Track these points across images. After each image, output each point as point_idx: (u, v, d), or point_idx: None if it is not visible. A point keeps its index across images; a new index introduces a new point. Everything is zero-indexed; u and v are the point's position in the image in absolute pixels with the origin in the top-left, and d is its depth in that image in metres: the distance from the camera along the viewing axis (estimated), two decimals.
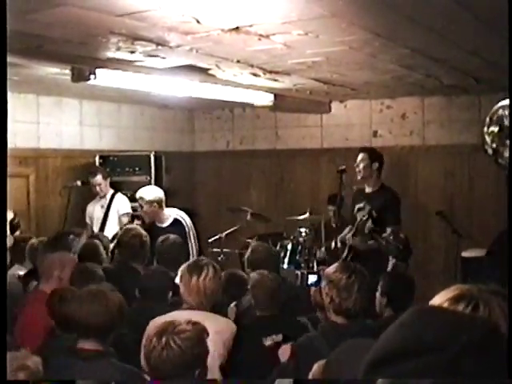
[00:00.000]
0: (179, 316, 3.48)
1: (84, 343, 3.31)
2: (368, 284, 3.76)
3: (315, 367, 2.64)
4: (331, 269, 3.71)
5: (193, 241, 6.54)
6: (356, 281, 3.57)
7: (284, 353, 3.84)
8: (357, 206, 6.57)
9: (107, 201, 7.74)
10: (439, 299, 1.37)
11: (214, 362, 3.73)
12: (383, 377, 1.00)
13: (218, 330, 3.81)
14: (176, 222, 6.55)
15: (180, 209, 6.76)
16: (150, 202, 6.48)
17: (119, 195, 7.83)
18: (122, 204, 7.76)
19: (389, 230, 6.05)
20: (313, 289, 4.50)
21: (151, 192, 6.59)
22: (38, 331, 3.89)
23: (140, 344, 3.52)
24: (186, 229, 6.53)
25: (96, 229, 7.61)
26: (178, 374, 2.86)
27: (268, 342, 4.02)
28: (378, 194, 6.49)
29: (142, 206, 6.51)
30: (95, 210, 7.80)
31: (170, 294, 4.60)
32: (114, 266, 5.52)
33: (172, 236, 5.65)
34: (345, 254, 6.34)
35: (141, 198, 6.52)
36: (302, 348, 3.61)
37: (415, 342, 1.01)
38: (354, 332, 3.43)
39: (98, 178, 7.67)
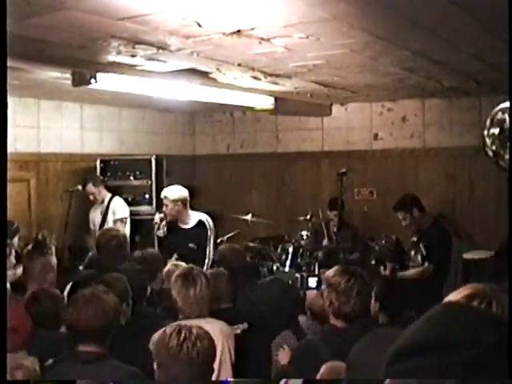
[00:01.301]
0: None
1: (85, 347, 3.32)
2: (368, 288, 3.75)
3: (323, 368, 2.64)
4: (331, 272, 3.70)
5: (211, 246, 6.52)
6: (355, 285, 3.56)
7: (283, 357, 3.86)
8: (412, 239, 6.68)
9: (105, 206, 7.76)
10: (453, 297, 1.37)
11: (223, 362, 3.80)
12: (408, 368, 1.00)
13: (222, 331, 3.89)
14: (200, 223, 6.58)
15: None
16: (175, 201, 6.50)
17: (116, 199, 7.83)
18: (117, 208, 7.75)
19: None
20: (310, 293, 4.49)
21: (176, 191, 6.61)
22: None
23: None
24: (209, 232, 6.54)
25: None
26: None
27: (237, 330, 4.14)
28: (430, 231, 6.57)
29: (166, 205, 6.53)
30: (96, 216, 7.82)
31: (149, 289, 4.62)
32: (93, 270, 5.37)
33: (150, 250, 5.58)
34: None
35: (165, 196, 6.56)
36: (302, 351, 3.62)
37: (441, 336, 1.01)
38: (354, 335, 3.43)
39: (89, 186, 7.69)
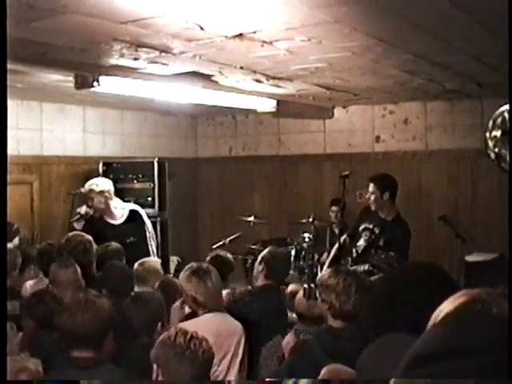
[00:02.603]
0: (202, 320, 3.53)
1: (80, 353, 3.31)
2: (365, 285, 3.77)
3: (324, 370, 2.65)
4: (325, 275, 3.72)
5: (153, 238, 6.42)
6: (353, 283, 3.59)
7: (287, 345, 3.89)
8: (364, 225, 6.28)
9: None
10: (449, 305, 1.37)
11: (234, 357, 3.87)
12: (426, 375, 1.00)
13: (232, 331, 3.93)
14: (133, 214, 6.37)
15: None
16: (101, 192, 6.28)
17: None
18: None
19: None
20: (298, 297, 4.50)
21: (101, 182, 6.42)
22: None
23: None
24: (147, 223, 6.37)
25: None
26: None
27: None
28: (391, 224, 6.15)
29: (92, 199, 6.27)
30: None
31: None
32: None
33: (117, 263, 5.36)
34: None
35: (90, 190, 6.30)
36: (296, 351, 3.66)
37: (459, 342, 1.01)
38: (350, 335, 3.47)
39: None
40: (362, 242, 6.23)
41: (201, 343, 2.91)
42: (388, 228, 6.15)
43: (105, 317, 3.37)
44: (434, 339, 1.06)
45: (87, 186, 6.37)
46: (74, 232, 5.85)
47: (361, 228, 6.31)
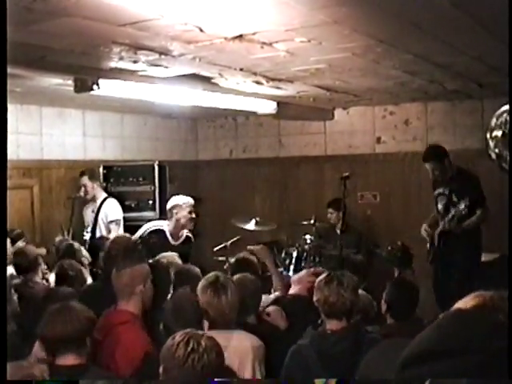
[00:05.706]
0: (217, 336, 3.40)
1: (63, 359, 3.31)
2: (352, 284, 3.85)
3: None
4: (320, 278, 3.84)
5: None
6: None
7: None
8: (437, 191, 6.79)
9: (97, 205, 7.72)
10: (461, 305, 1.37)
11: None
12: (417, 374, 1.01)
13: (253, 347, 3.77)
14: (188, 239, 6.54)
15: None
16: (192, 206, 6.47)
17: (110, 200, 7.79)
18: (109, 210, 7.70)
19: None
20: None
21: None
22: (137, 355, 3.74)
23: None
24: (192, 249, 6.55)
25: (87, 234, 7.58)
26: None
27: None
28: (458, 179, 6.69)
29: (176, 213, 6.38)
30: (86, 214, 7.80)
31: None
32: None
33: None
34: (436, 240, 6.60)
35: (183, 203, 6.41)
36: (290, 356, 3.69)
37: (451, 341, 1.02)
38: (342, 338, 3.56)
39: (84, 178, 7.67)
40: (440, 207, 6.74)
41: (202, 356, 2.72)
42: (456, 183, 6.67)
43: (83, 319, 3.38)
44: (426, 340, 1.07)
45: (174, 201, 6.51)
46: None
47: (436, 193, 6.84)
